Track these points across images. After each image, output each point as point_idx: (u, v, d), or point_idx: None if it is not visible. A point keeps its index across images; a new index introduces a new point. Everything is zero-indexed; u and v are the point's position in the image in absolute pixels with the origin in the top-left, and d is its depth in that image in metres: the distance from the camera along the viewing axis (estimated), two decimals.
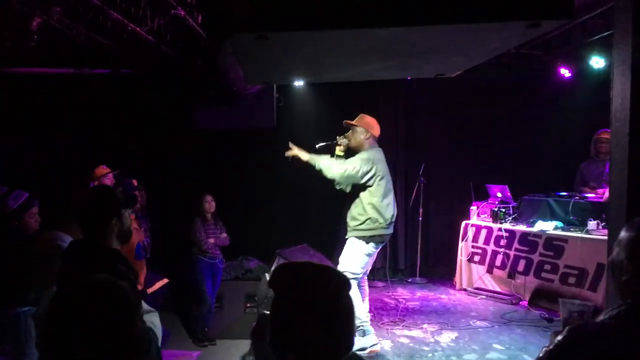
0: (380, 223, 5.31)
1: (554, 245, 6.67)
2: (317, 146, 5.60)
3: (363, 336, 5.24)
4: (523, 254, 7.03)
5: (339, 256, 5.57)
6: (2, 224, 4.37)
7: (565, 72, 7.80)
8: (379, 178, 5.31)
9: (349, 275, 5.07)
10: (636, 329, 1.57)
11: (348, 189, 5.56)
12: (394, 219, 5.49)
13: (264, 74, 5.22)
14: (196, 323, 6.17)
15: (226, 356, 5.75)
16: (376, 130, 5.53)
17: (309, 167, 5.43)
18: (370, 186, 5.31)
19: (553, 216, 7.00)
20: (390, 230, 5.47)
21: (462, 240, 7.83)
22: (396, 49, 3.68)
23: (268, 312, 4.07)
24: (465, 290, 7.67)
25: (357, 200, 5.38)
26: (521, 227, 7.17)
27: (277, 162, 8.25)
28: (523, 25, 3.10)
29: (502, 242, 7.27)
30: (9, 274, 3.82)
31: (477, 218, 7.82)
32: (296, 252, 6.35)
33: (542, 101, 8.30)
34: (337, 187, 5.64)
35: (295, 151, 5.42)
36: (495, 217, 7.48)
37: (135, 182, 5.95)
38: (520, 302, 6.94)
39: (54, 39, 5.22)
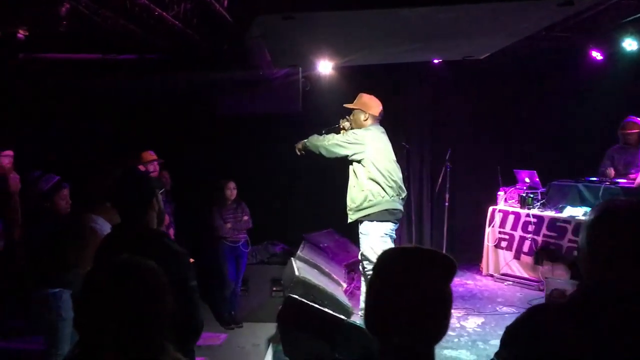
0: (382, 197, 5.04)
1: None
2: (322, 131, 5.46)
3: None
4: (552, 240, 6.93)
5: None
6: (35, 206, 4.46)
7: (596, 55, 7.60)
8: (371, 155, 5.09)
9: (369, 264, 5.06)
10: (584, 312, 1.55)
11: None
12: (402, 195, 5.24)
13: (290, 56, 5.17)
14: (221, 306, 6.24)
15: (253, 339, 5.82)
16: (375, 109, 5.30)
17: (311, 154, 5.38)
18: (363, 165, 5.09)
19: (583, 202, 6.88)
20: (399, 206, 5.18)
21: (489, 225, 7.74)
22: (424, 30, 3.63)
23: (294, 296, 4.08)
24: (491, 276, 7.60)
25: (353, 182, 5.20)
26: (550, 213, 7.07)
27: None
28: (555, 3, 3.02)
29: (530, 227, 7.18)
30: (42, 256, 3.90)
31: (505, 203, 7.73)
32: (322, 236, 6.38)
33: (573, 85, 8.12)
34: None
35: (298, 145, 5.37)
36: (523, 202, 7.39)
37: (152, 168, 5.94)
38: None
39: (82, 24, 5.28)
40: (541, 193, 7.41)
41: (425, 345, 1.39)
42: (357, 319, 4.87)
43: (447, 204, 8.30)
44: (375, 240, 5.04)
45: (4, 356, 5.09)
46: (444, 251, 8.00)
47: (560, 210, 6.96)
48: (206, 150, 7.91)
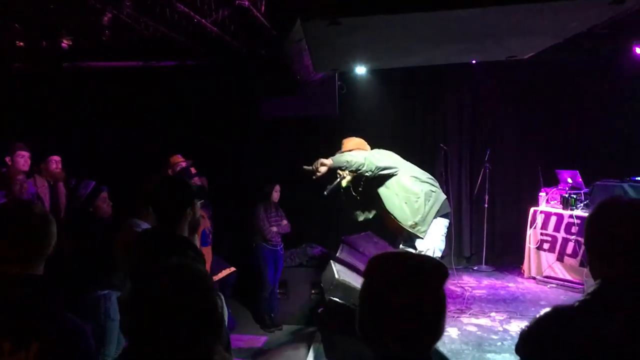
0: (434, 191, 4.83)
1: None
2: (325, 193, 5.02)
3: None
4: None
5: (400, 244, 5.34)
6: (79, 212, 4.60)
7: None
8: (401, 166, 4.87)
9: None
10: (593, 314, 1.52)
11: (371, 215, 5.20)
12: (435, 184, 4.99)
13: (333, 61, 5.16)
14: (261, 309, 6.28)
15: (292, 341, 5.84)
16: (365, 145, 5.09)
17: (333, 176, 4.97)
18: (402, 177, 4.80)
19: None
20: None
21: (531, 227, 7.60)
22: (471, 31, 3.57)
23: (335, 299, 4.07)
24: (534, 278, 7.46)
25: (400, 199, 4.80)
26: None
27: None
28: (606, 2, 2.94)
29: (574, 229, 7.02)
30: (91, 259, 4.01)
31: (547, 204, 7.58)
32: (360, 239, 6.35)
33: (615, 82, 7.91)
34: (359, 219, 5.27)
35: (318, 167, 4.65)
36: (566, 203, 7.23)
37: (193, 170, 6.03)
38: None
39: (124, 33, 5.41)
40: (584, 194, 7.24)
41: (419, 352, 1.37)
42: None
43: (486, 205, 8.19)
44: (437, 238, 4.86)
45: None
46: (484, 254, 7.92)
47: None
48: (245, 154, 7.99)
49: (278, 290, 6.39)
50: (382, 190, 4.86)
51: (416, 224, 4.75)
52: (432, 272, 1.40)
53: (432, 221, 4.80)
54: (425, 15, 3.13)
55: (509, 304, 6.49)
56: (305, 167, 4.66)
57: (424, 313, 1.35)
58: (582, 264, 6.91)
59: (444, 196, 4.95)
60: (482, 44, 4.16)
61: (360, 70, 7.26)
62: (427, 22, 3.35)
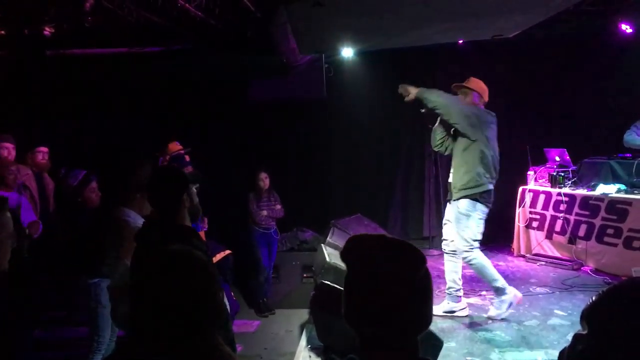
0: (487, 178, 5.15)
1: (617, 208, 6.45)
2: (421, 110, 5.37)
3: (503, 294, 5.22)
4: (584, 219, 6.83)
5: (393, 225, 5.51)
6: (68, 202, 4.58)
7: (626, 28, 7.40)
8: (483, 138, 5.15)
9: (465, 246, 5.17)
10: None
11: (447, 152, 5.49)
12: (495, 176, 5.31)
13: (319, 43, 5.15)
14: (255, 293, 6.30)
15: (286, 325, 5.87)
16: (483, 92, 5.34)
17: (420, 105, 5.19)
18: (475, 146, 5.12)
19: (615, 178, 6.75)
20: (491, 187, 5.27)
21: (520, 206, 7.66)
22: (456, 9, 3.57)
23: (326, 282, 4.09)
24: (523, 256, 7.53)
25: (460, 162, 5.20)
26: (581, 191, 6.96)
27: (329, 133, 8.30)
28: None
29: (562, 207, 7.07)
30: (80, 248, 4.00)
31: (535, 183, 7.63)
32: (351, 222, 6.36)
33: (601, 59, 7.92)
34: (436, 149, 5.59)
35: (406, 88, 5.16)
36: (554, 181, 7.28)
37: (187, 158, 6.02)
38: (582, 268, 6.77)
39: (107, 19, 5.34)
40: (572, 171, 7.28)
41: (401, 336, 1.36)
42: None
43: None
44: (475, 221, 5.19)
45: (47, 346, 5.23)
46: None
47: (593, 188, 6.85)
48: (235, 137, 7.96)
49: (272, 275, 6.41)
50: (461, 143, 5.18)
51: (455, 187, 5.20)
52: (406, 257, 1.37)
53: (467, 199, 5.13)
54: None
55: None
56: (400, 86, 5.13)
57: (398, 299, 1.32)
58: (570, 241, 6.98)
59: (490, 189, 5.23)
60: (469, 23, 4.15)
61: (348, 52, 7.22)
62: (411, 2, 3.34)
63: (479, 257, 5.25)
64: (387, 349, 1.35)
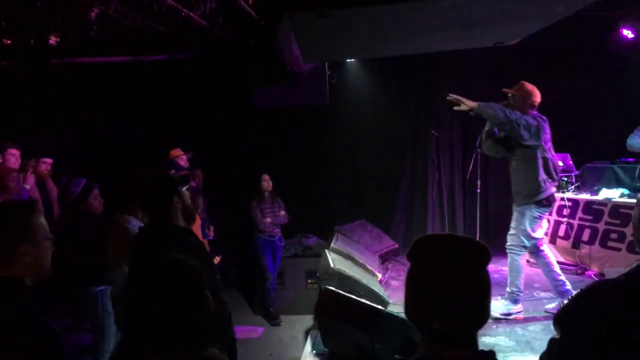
0: (551, 183, 5.28)
1: (620, 213, 6.45)
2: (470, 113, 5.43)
3: (513, 304, 5.34)
4: (587, 223, 6.83)
5: (396, 231, 5.55)
6: (71, 210, 4.62)
7: (627, 33, 7.42)
8: (544, 144, 5.28)
9: (516, 241, 5.32)
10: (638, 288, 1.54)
11: (498, 155, 5.60)
12: (557, 178, 5.44)
13: (323, 53, 5.18)
14: (263, 300, 6.29)
15: (290, 331, 5.88)
16: (536, 97, 5.40)
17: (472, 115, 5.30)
18: (538, 154, 5.25)
19: (618, 183, 6.75)
20: (554, 189, 5.41)
21: None
22: (457, 19, 3.59)
23: (331, 288, 4.11)
24: (527, 261, 7.50)
25: (524, 167, 5.30)
26: (585, 196, 6.96)
27: (332, 139, 8.33)
28: None
29: (565, 211, 7.08)
30: (85, 256, 4.03)
31: None
32: (355, 228, 6.39)
33: (603, 64, 7.93)
34: (487, 153, 5.68)
35: (460, 100, 5.27)
36: (557, 186, 7.26)
37: (184, 163, 6.05)
38: (586, 272, 6.77)
39: (112, 28, 5.39)
40: (575, 176, 7.29)
41: (466, 331, 1.40)
42: (393, 308, 4.89)
43: (479, 190, 8.23)
44: (535, 222, 5.30)
45: None
46: (477, 238, 7.97)
47: (596, 192, 6.85)
48: (238, 144, 8.00)
49: (276, 281, 6.42)
50: (525, 151, 5.27)
51: (519, 193, 5.33)
52: (474, 254, 1.42)
53: (532, 204, 5.23)
54: (412, 6, 3.15)
55: (503, 287, 6.50)
56: (450, 95, 5.25)
57: (466, 295, 1.37)
58: (574, 246, 6.98)
59: (553, 192, 5.39)
60: (470, 31, 4.17)
61: (351, 59, 7.26)
62: (415, 12, 3.37)
63: (521, 259, 5.45)
64: (451, 344, 1.39)
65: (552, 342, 1.63)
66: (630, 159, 6.89)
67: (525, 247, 5.36)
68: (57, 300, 5.41)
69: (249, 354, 5.30)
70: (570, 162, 7.35)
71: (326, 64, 6.89)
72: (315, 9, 2.98)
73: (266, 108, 6.97)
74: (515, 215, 5.41)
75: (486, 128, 5.57)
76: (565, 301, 1.66)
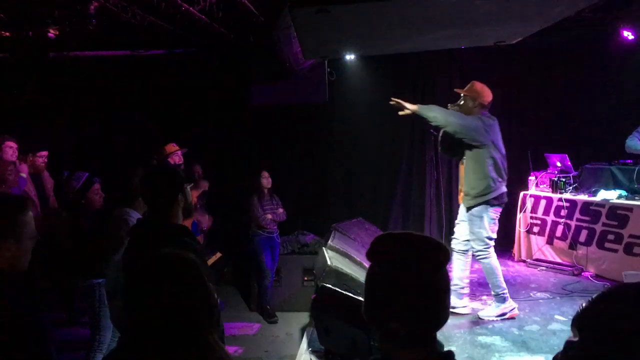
0: (500, 182, 5.27)
1: (617, 214, 6.46)
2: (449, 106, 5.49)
3: (502, 303, 5.34)
4: (585, 224, 6.83)
5: (393, 229, 5.55)
6: (72, 204, 4.61)
7: (627, 35, 7.42)
8: (491, 144, 5.25)
9: (481, 245, 5.28)
10: None
11: (452, 155, 5.64)
12: (505, 177, 5.41)
13: (323, 49, 5.17)
14: (261, 297, 6.28)
15: (286, 328, 5.88)
16: (485, 97, 5.35)
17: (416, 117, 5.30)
18: (485, 153, 5.22)
19: (616, 184, 6.76)
20: (505, 189, 5.39)
21: (521, 211, 7.66)
22: (458, 16, 3.58)
23: (327, 285, 4.09)
24: (524, 261, 7.53)
25: (473, 168, 5.29)
26: (582, 197, 6.96)
27: (330, 137, 8.32)
28: None
29: (563, 212, 7.08)
30: (84, 248, 4.03)
31: (536, 188, 7.63)
32: (352, 225, 6.37)
33: (603, 66, 7.94)
34: (445, 155, 5.74)
35: (401, 104, 5.20)
36: (555, 187, 7.28)
37: (178, 159, 5.98)
38: (583, 273, 6.78)
39: (111, 22, 5.37)
40: (573, 177, 7.29)
41: (424, 331, 1.39)
42: None
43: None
44: (489, 223, 5.30)
45: None
46: None
47: (594, 193, 6.85)
48: (237, 141, 7.98)
49: (274, 278, 6.41)
50: (472, 151, 5.27)
51: (468, 194, 5.32)
52: (432, 253, 1.40)
53: (481, 205, 5.24)
54: (412, 2, 3.14)
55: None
56: (392, 100, 5.16)
57: (423, 295, 1.36)
58: (571, 247, 6.98)
59: (503, 191, 5.34)
60: (472, 29, 4.17)
61: (350, 56, 7.24)
62: (415, 9, 3.36)
63: (492, 259, 5.36)
64: (408, 344, 1.38)
65: (568, 343, 1.61)
66: (629, 161, 6.89)
67: (489, 247, 5.33)
68: (52, 294, 5.41)
69: (245, 350, 5.30)
70: (569, 162, 7.35)
71: (326, 62, 6.88)
72: (316, 4, 2.97)
73: (264, 105, 6.96)
74: (469, 218, 5.39)
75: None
76: (584, 304, 1.64)
